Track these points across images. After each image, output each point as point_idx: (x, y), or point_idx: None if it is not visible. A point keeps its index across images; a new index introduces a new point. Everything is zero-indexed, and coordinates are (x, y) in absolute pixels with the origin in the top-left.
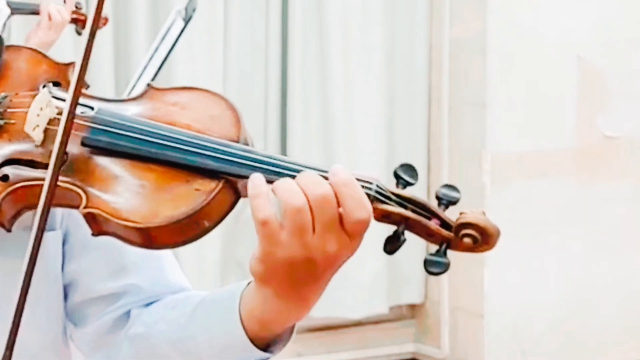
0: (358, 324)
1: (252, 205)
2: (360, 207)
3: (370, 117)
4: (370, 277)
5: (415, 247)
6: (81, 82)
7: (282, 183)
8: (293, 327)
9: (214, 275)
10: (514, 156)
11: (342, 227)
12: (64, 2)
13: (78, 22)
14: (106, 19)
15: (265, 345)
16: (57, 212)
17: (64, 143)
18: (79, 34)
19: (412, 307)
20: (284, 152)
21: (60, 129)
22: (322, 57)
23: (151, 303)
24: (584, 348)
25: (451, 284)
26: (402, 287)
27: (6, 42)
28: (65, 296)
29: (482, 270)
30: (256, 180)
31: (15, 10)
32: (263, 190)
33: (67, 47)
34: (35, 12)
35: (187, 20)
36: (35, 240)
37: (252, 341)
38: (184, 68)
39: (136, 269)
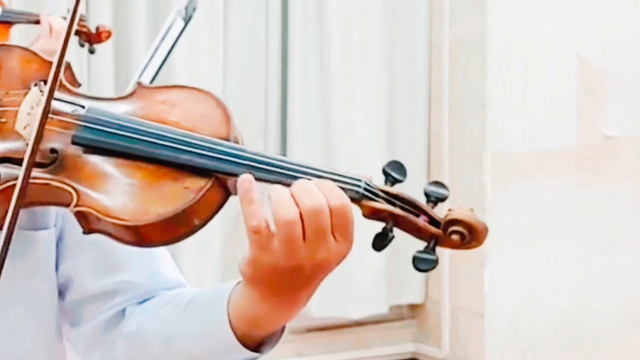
0: (358, 324)
1: (243, 212)
2: (336, 194)
3: (370, 117)
4: (370, 277)
5: (415, 246)
6: (56, 82)
7: (276, 193)
8: (284, 327)
9: (215, 276)
10: (514, 156)
11: (332, 234)
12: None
13: (81, 34)
14: (109, 32)
15: (257, 344)
16: (52, 211)
17: (37, 142)
18: (82, 46)
19: (412, 307)
20: (283, 152)
21: (34, 127)
22: (322, 57)
23: (146, 300)
24: (584, 348)
25: (451, 283)
26: (402, 287)
27: None
28: (62, 295)
29: (483, 270)
30: (246, 185)
31: (14, 19)
32: (254, 196)
33: (70, 60)
34: (36, 22)
35: (187, 20)
36: (6, 237)
37: (241, 340)
38: (184, 68)
39: (130, 266)
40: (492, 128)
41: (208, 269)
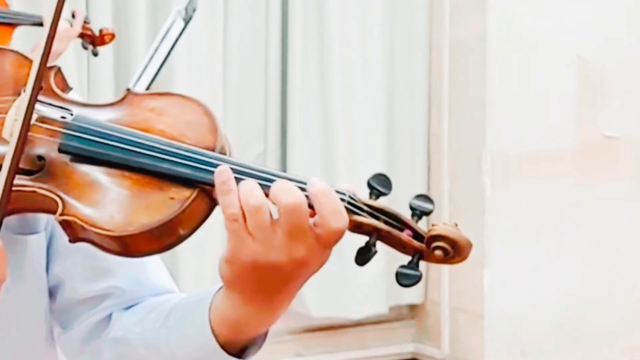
0: (358, 324)
1: (221, 202)
2: (337, 216)
3: (370, 117)
4: (370, 277)
5: None
6: (38, 86)
7: (245, 184)
8: (266, 332)
9: (214, 279)
10: (514, 156)
11: (313, 234)
12: (72, 15)
13: (85, 36)
14: (113, 34)
15: (239, 350)
16: (42, 215)
17: (18, 149)
18: (85, 48)
19: (412, 307)
20: (283, 153)
21: (15, 135)
22: (322, 57)
23: (132, 306)
24: (584, 348)
25: (451, 284)
26: (401, 287)
27: None
28: (53, 297)
29: (482, 271)
30: (223, 176)
31: (17, 21)
32: (232, 187)
33: (70, 60)
34: (39, 24)
35: (187, 21)
36: None
37: (223, 346)
38: (184, 68)
39: (119, 271)
40: (492, 128)
41: (206, 278)
